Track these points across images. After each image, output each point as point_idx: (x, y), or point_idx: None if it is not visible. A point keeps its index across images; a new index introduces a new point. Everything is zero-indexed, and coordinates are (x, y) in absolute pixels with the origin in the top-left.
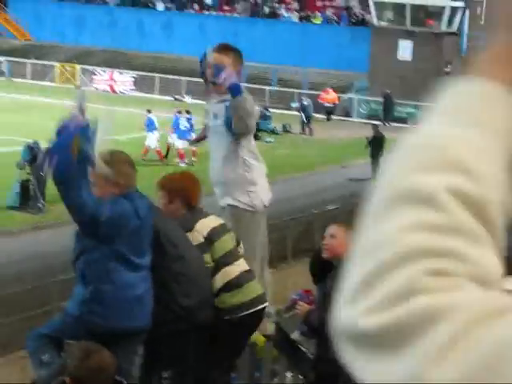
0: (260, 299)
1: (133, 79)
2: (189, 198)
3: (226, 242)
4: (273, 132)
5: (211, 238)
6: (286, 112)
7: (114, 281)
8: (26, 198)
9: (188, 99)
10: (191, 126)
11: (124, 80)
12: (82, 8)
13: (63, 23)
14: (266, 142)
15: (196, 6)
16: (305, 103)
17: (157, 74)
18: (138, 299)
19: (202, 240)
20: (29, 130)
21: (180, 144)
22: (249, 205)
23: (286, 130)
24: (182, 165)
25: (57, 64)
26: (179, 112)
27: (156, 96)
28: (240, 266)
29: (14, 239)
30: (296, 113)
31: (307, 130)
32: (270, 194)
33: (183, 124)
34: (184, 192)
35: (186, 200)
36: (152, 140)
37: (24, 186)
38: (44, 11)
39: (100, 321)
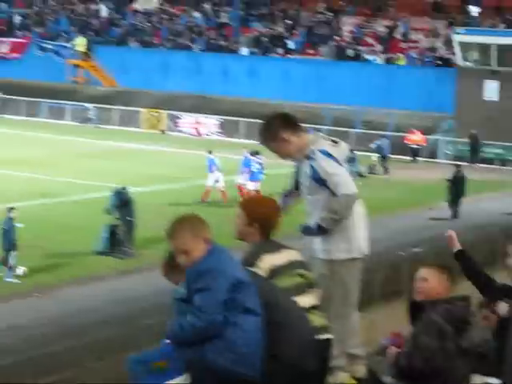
0: (322, 329)
1: (218, 123)
2: (268, 227)
3: (290, 279)
4: (358, 174)
5: (273, 275)
6: (372, 154)
7: (234, 326)
8: (115, 242)
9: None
10: (262, 167)
11: (209, 124)
12: (168, 54)
13: (149, 69)
14: None
15: (280, 50)
16: (380, 143)
17: (241, 119)
18: (254, 346)
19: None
20: (116, 175)
21: (251, 185)
22: (343, 252)
23: (371, 171)
24: None
25: (143, 110)
26: (251, 153)
27: (241, 140)
28: (303, 300)
29: (103, 284)
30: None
31: (383, 169)
32: (366, 242)
33: (255, 166)
34: (265, 219)
35: (264, 227)
36: (211, 180)
37: (112, 230)
38: (130, 58)
39: (218, 364)
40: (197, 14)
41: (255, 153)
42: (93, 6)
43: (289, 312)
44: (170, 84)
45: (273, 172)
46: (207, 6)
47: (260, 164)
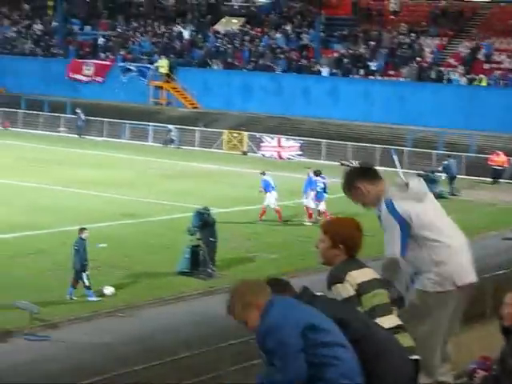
0: (410, 350)
1: (299, 145)
2: (352, 247)
3: (376, 297)
4: (440, 196)
5: (361, 291)
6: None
7: (327, 365)
8: (196, 263)
9: (355, 164)
10: (325, 186)
11: (290, 146)
12: (249, 75)
13: (230, 91)
14: None
15: (361, 71)
16: (448, 163)
17: (323, 140)
18: (353, 377)
19: (353, 293)
20: (198, 196)
21: (318, 205)
22: (433, 284)
23: (453, 193)
24: (307, 223)
25: (224, 131)
26: (315, 173)
27: (322, 161)
28: (390, 320)
29: (184, 304)
30: (464, 176)
31: (451, 189)
32: (465, 272)
33: (320, 185)
34: (349, 240)
35: (349, 247)
36: (271, 199)
37: (194, 251)
38: (211, 79)
39: None
40: (278, 36)
41: (319, 172)
42: (175, 28)
43: (383, 341)
44: (252, 105)
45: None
46: (288, 28)
47: (324, 183)
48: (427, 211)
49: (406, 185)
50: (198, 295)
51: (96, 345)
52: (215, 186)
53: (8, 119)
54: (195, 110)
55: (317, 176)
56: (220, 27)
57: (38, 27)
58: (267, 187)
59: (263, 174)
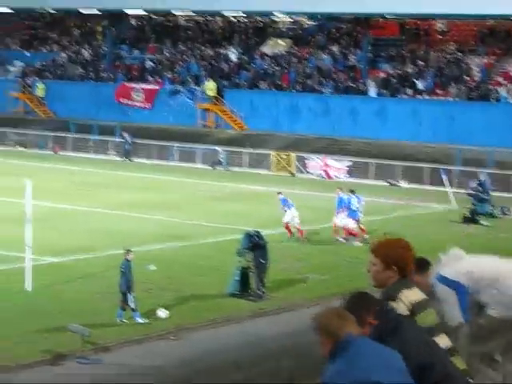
0: (465, 373)
1: (347, 165)
2: (404, 267)
3: (429, 317)
4: (491, 215)
5: (414, 310)
6: (505, 195)
7: None
8: (246, 285)
9: (403, 184)
10: (360, 205)
11: (339, 166)
12: (297, 96)
13: (278, 112)
14: (483, 225)
15: (409, 91)
16: (481, 181)
17: (371, 160)
18: None
19: (407, 312)
20: (247, 217)
21: (350, 223)
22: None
23: (504, 212)
24: (356, 243)
25: (272, 152)
26: (351, 192)
27: (371, 181)
28: (443, 340)
29: (235, 326)
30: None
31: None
32: None
33: (354, 204)
34: (400, 260)
35: (402, 268)
36: (288, 217)
37: (243, 273)
38: (259, 101)
39: None
40: (325, 56)
41: (353, 191)
42: (222, 51)
43: (447, 368)
44: (299, 126)
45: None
46: (335, 49)
47: (358, 202)
48: (476, 265)
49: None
50: (248, 317)
51: (147, 368)
52: (264, 208)
53: (58, 144)
54: (243, 132)
55: (351, 194)
56: (267, 49)
57: (86, 52)
58: (287, 206)
59: (279, 193)
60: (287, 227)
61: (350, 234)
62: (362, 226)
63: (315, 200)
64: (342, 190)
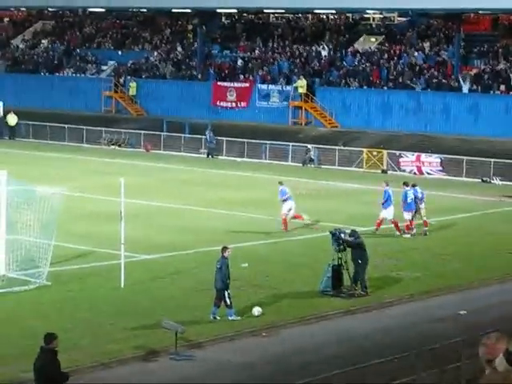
0: None
1: (439, 162)
2: None
3: None
4: None
5: None
6: None
7: None
8: (338, 282)
9: (497, 181)
10: (415, 197)
11: (431, 161)
12: (388, 94)
13: (369, 109)
14: None
15: (502, 87)
16: None
17: (464, 157)
18: None
19: None
20: (338, 215)
21: (405, 215)
22: None
23: None
24: (407, 236)
25: (364, 150)
26: (413, 185)
27: (463, 178)
28: None
29: (326, 323)
30: None
31: None
32: None
33: (410, 196)
34: None
35: None
36: (285, 209)
37: (336, 270)
38: (350, 98)
39: None
40: (417, 53)
41: (413, 185)
42: (313, 48)
43: None
44: (391, 123)
45: None
46: (427, 45)
47: (415, 194)
48: None
49: None
50: (339, 314)
51: (240, 364)
52: (355, 205)
53: (150, 142)
54: (334, 129)
55: (412, 187)
56: (358, 46)
57: (178, 51)
58: (284, 197)
59: (281, 183)
60: (285, 220)
61: (406, 226)
62: (425, 219)
63: None
64: (387, 184)
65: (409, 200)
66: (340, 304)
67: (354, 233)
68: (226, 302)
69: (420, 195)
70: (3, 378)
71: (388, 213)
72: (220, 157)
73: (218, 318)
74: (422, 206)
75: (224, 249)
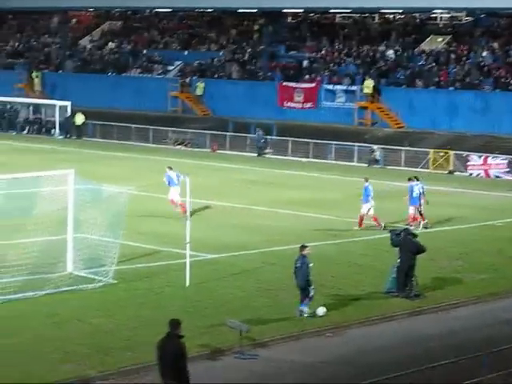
0: None
1: (507, 163)
2: None
3: None
4: None
5: None
6: None
7: None
8: (403, 283)
9: None
10: (422, 192)
11: (498, 163)
12: (455, 94)
13: (436, 110)
14: None
15: None
16: None
17: None
18: None
19: None
20: (402, 216)
21: (410, 210)
22: None
23: None
24: (412, 227)
25: (430, 150)
26: (416, 178)
27: None
28: None
29: (392, 324)
30: None
31: None
32: None
33: (415, 191)
34: None
35: None
36: (366, 208)
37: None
38: (417, 99)
39: None
40: (485, 53)
41: (416, 178)
42: (380, 48)
43: None
44: (458, 124)
45: None
46: (495, 45)
47: (421, 189)
48: None
49: None
50: (404, 315)
51: (304, 364)
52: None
53: (216, 142)
54: (400, 130)
55: (413, 181)
56: (425, 46)
57: (244, 51)
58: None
59: (366, 180)
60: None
61: (413, 220)
62: (422, 213)
63: (473, 198)
64: (366, 180)
65: (414, 194)
66: (405, 305)
67: (401, 232)
68: (309, 295)
69: (421, 190)
70: (70, 376)
71: (365, 207)
72: (285, 157)
73: (306, 315)
74: (422, 200)
75: (302, 247)
